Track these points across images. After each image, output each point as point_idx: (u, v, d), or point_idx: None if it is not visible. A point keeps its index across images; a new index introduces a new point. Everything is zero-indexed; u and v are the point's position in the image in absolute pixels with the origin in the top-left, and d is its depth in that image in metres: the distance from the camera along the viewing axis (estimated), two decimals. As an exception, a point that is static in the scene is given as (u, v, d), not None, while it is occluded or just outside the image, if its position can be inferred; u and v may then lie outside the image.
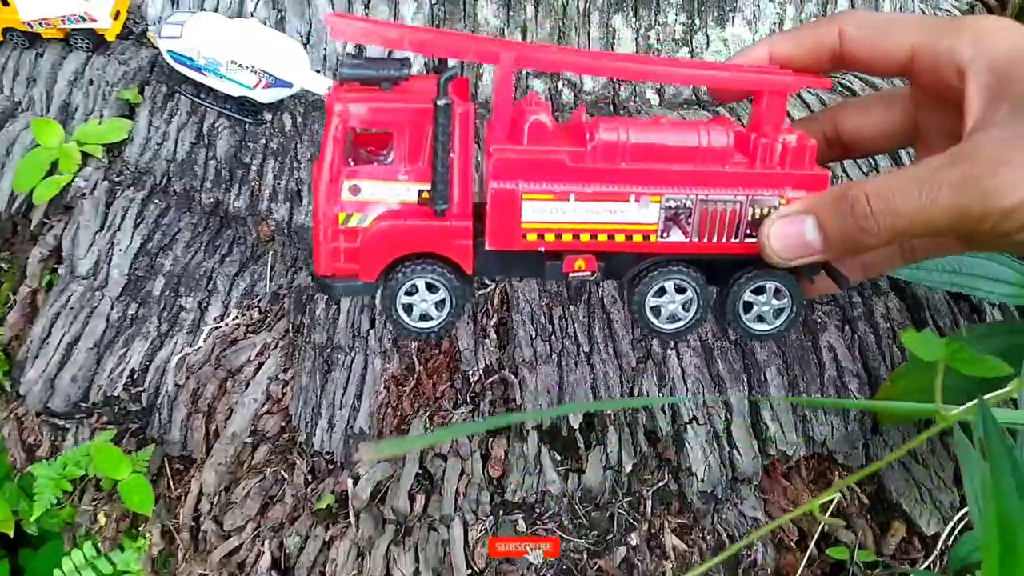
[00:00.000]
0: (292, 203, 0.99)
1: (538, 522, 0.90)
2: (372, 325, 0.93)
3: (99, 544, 1.12)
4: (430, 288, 0.50)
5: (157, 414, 1.00)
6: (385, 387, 0.92)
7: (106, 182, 1.01)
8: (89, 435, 1.01)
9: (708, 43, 1.00)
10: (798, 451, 0.93)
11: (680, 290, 0.52)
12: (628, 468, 0.90)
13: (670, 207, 0.48)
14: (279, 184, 0.99)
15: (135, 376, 1.01)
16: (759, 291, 0.52)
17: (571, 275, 0.51)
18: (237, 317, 1.00)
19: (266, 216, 1.00)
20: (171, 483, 1.03)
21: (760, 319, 0.53)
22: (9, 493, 1.28)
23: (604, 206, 0.48)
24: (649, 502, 0.92)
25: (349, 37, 0.47)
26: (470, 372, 0.92)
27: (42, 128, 0.99)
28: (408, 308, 0.51)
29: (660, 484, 0.92)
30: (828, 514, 0.95)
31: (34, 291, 1.04)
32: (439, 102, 0.46)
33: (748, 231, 0.50)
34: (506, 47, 0.47)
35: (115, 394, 1.00)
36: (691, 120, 0.53)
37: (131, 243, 1.00)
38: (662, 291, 0.52)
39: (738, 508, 0.93)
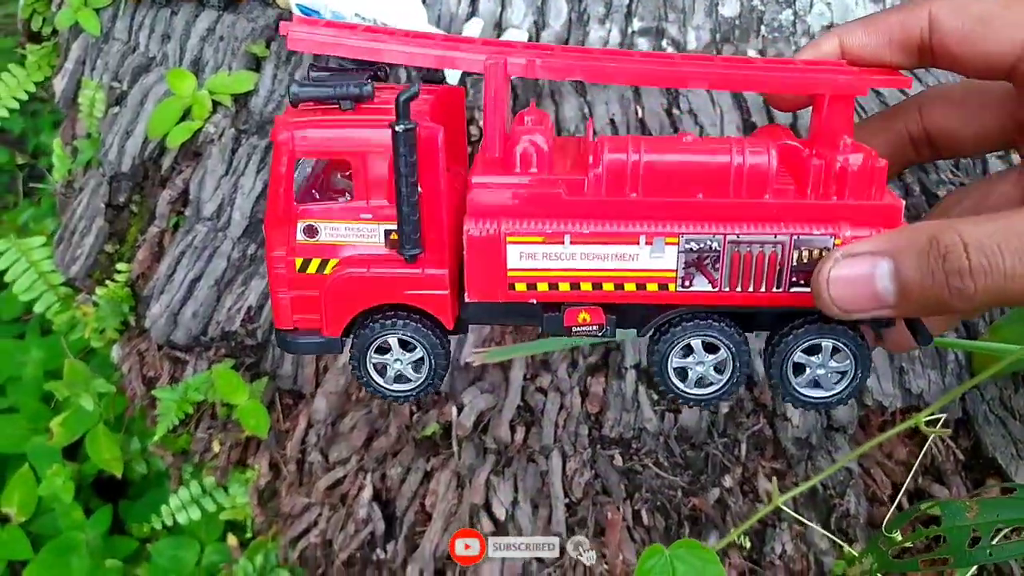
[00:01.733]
0: (404, 152, 1.05)
1: (634, 457, 0.93)
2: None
3: (206, 479, 1.19)
4: (404, 346, 0.43)
5: (271, 349, 1.06)
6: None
7: (233, 129, 1.08)
8: (207, 368, 1.08)
9: (811, 5, 1.02)
10: (895, 403, 0.94)
11: (710, 348, 0.42)
12: (724, 410, 0.93)
13: (691, 250, 0.39)
14: (393, 134, 1.05)
15: (252, 313, 1.06)
16: (812, 351, 0.42)
17: (575, 329, 0.42)
18: (349, 259, 1.05)
19: (380, 164, 1.05)
20: (281, 417, 1.08)
21: (815, 384, 0.43)
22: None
23: (608, 250, 0.39)
24: (744, 445, 0.94)
25: (307, 48, 0.41)
26: (572, 312, 0.95)
27: (177, 78, 1.07)
28: (382, 368, 0.44)
29: (755, 428, 0.94)
30: (919, 468, 0.95)
31: (162, 231, 1.11)
32: (397, 127, 0.38)
33: (794, 279, 0.40)
34: (497, 51, 0.40)
35: (232, 329, 1.06)
36: (726, 138, 0.44)
37: (253, 187, 1.07)
38: (689, 349, 0.42)
39: (832, 457, 0.94)
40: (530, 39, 1.03)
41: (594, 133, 0.43)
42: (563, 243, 0.39)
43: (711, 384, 0.42)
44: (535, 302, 0.41)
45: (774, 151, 0.39)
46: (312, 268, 0.42)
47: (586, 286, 0.40)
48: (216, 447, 1.08)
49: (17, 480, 1.48)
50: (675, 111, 0.97)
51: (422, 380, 0.44)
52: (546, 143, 0.40)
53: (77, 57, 1.21)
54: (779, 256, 0.39)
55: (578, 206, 0.39)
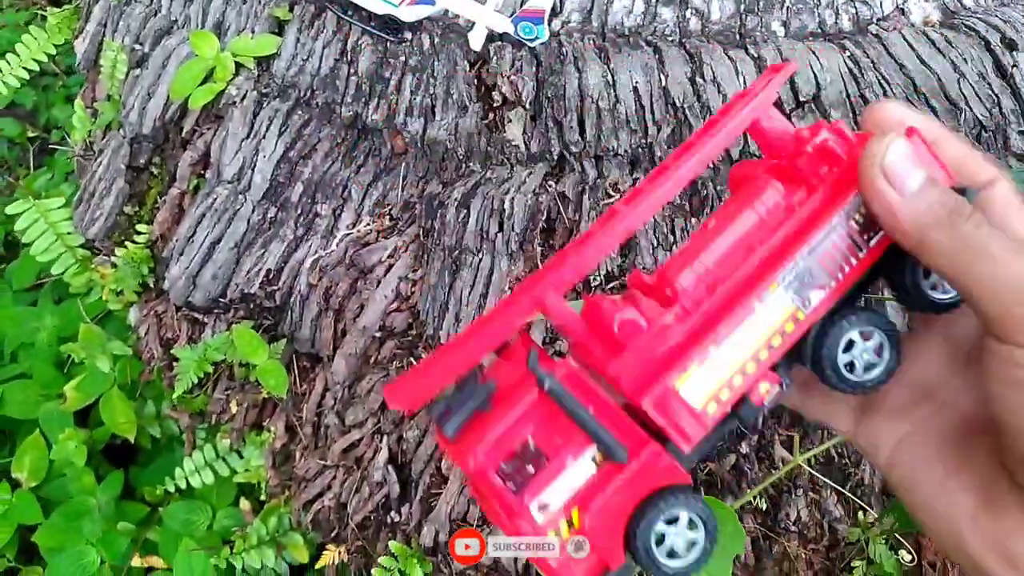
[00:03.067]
0: (426, 118, 1.05)
1: (653, 422, 0.93)
2: (500, 229, 0.98)
3: (220, 443, 1.19)
4: (672, 521, 0.43)
5: (289, 312, 1.06)
6: (510, 287, 0.96)
7: (255, 92, 1.08)
8: (226, 330, 1.08)
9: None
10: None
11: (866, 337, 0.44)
12: (742, 377, 0.93)
13: (790, 282, 0.44)
14: (415, 99, 1.05)
15: (271, 276, 1.07)
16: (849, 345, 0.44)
17: (765, 402, 0.44)
18: (369, 224, 1.06)
19: (401, 129, 1.05)
20: (297, 380, 1.09)
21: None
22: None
23: (742, 332, 0.44)
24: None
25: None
26: (591, 277, 0.96)
27: (200, 40, 1.07)
28: (671, 553, 0.45)
29: (772, 395, 0.94)
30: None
31: (182, 193, 1.11)
32: (547, 386, 0.42)
33: (867, 237, 0.44)
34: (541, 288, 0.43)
35: (251, 292, 1.07)
36: (728, 202, 0.46)
37: (274, 151, 1.07)
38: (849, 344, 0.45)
39: (848, 426, 0.95)
40: (554, 8, 1.04)
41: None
42: (710, 354, 0.42)
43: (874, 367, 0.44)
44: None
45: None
46: (564, 533, 0.44)
47: (751, 366, 0.43)
48: (234, 408, 1.09)
49: (28, 445, 1.49)
50: (699, 80, 0.98)
51: (703, 543, 0.44)
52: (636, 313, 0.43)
53: (99, 19, 1.21)
54: (845, 233, 0.43)
55: (695, 324, 0.43)
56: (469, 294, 0.97)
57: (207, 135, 1.11)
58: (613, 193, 0.98)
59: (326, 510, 1.09)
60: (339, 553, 1.03)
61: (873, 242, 0.43)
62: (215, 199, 1.09)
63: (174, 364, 1.11)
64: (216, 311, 1.09)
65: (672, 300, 0.43)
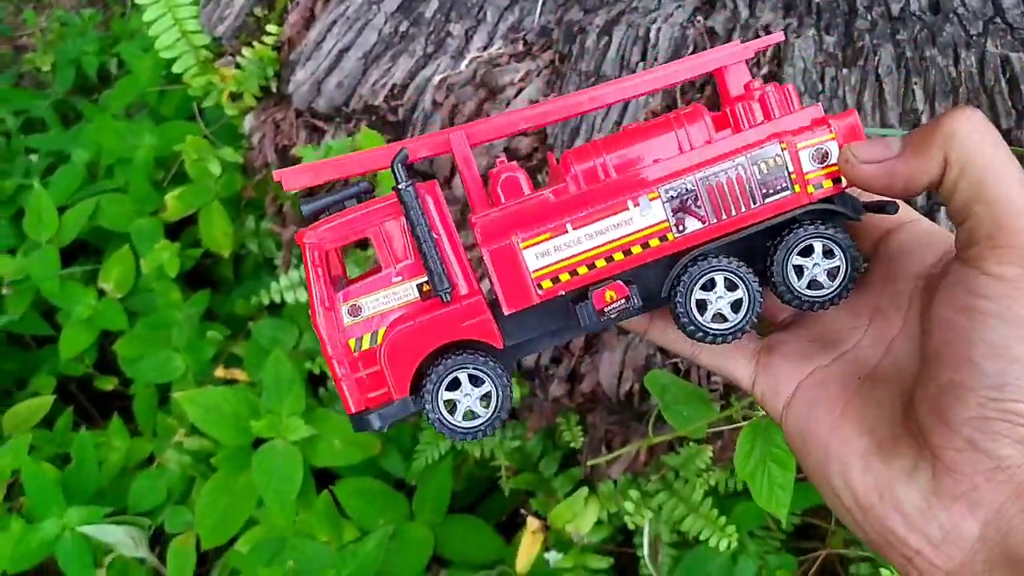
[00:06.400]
0: (574, -56, 1.02)
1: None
2: (642, 58, 0.96)
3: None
4: (473, 381, 0.47)
5: (412, 129, 1.06)
6: (645, 117, 0.95)
7: (403, -100, 1.06)
8: (347, 138, 1.08)
9: None
10: None
11: (730, 286, 0.46)
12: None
13: (672, 197, 0.45)
14: (565, -76, 1.02)
15: (395, 90, 1.06)
16: (806, 252, 0.46)
17: (607, 310, 0.45)
18: (501, 48, 1.04)
19: (547, -47, 1.03)
20: (409, 199, 1.09)
21: (814, 284, 0.47)
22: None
23: (605, 223, 0.45)
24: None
25: (298, 186, 0.47)
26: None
27: None
28: (452, 407, 0.47)
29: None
30: None
31: (315, -2, 1.10)
32: (400, 187, 0.44)
33: (765, 192, 0.45)
34: (454, 131, 0.47)
35: (375, 104, 1.06)
36: (659, 118, 0.48)
37: (415, -37, 1.05)
38: (709, 285, 0.46)
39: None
40: None
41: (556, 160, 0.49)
42: (566, 231, 0.45)
43: (727, 320, 0.46)
44: (564, 294, 0.45)
45: (707, 115, 0.47)
46: (365, 343, 0.46)
47: (600, 262, 0.45)
48: (345, 216, 1.09)
49: (117, 258, 1.51)
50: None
51: (490, 414, 0.47)
52: (523, 176, 0.46)
53: None
54: (744, 176, 0.45)
55: (568, 203, 0.45)
56: (603, 120, 0.95)
57: (347, -59, 1.09)
58: (762, 34, 0.95)
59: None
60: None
61: (770, 199, 0.45)
62: (348, 7, 1.07)
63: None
64: (337, 120, 1.09)
65: (562, 178, 0.46)
